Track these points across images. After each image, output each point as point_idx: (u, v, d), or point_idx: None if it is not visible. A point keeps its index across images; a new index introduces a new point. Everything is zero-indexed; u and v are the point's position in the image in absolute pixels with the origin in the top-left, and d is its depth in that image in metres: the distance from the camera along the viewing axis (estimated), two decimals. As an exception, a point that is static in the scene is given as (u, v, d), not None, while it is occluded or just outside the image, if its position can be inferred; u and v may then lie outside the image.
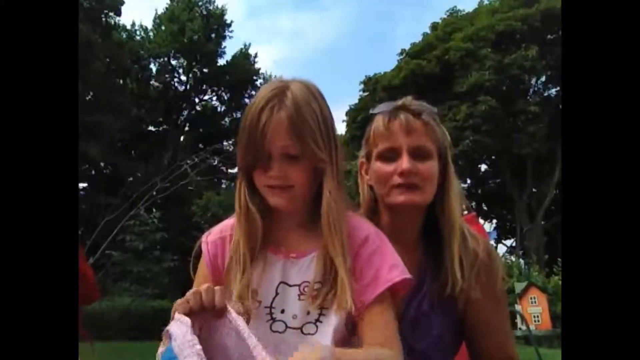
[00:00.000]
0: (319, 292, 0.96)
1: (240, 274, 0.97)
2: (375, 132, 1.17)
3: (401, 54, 22.89)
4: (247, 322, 0.96)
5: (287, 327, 0.98)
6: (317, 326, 0.97)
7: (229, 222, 1.07)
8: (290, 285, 0.99)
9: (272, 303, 0.99)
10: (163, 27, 25.21)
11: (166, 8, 25.29)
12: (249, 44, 27.26)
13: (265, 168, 0.97)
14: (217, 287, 0.86)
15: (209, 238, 1.07)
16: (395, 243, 1.04)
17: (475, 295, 1.12)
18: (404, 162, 1.11)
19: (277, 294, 0.99)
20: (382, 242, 1.02)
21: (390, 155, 1.14)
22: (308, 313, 0.97)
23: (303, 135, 0.95)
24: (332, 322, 0.96)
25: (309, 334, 0.97)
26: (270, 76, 26.33)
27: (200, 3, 25.20)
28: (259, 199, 1.01)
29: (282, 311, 0.98)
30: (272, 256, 1.01)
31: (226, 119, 27.35)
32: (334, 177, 0.99)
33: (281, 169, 0.96)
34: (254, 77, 26.67)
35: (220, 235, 1.06)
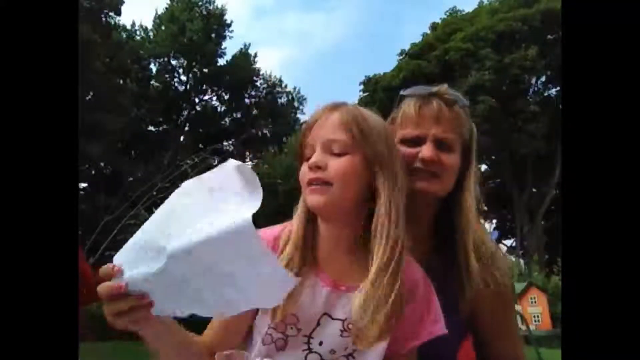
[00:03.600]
0: None
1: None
2: (405, 116, 1.15)
3: (401, 54, 22.90)
4: (284, 347, 0.95)
5: (322, 359, 0.95)
6: None
7: (272, 234, 1.01)
8: (333, 319, 0.95)
9: (311, 333, 0.94)
10: (163, 27, 25.22)
11: (166, 8, 25.31)
12: (249, 44, 27.18)
13: (308, 159, 0.93)
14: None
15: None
16: (407, 232, 1.02)
17: (483, 295, 1.10)
18: (427, 150, 1.09)
19: (318, 324, 0.94)
20: (429, 290, 1.00)
21: (416, 141, 1.12)
22: (345, 348, 0.94)
23: (352, 132, 0.91)
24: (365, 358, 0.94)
25: None
26: (270, 76, 26.33)
27: (200, 3, 25.20)
28: (312, 222, 0.98)
29: (320, 343, 0.94)
30: (320, 284, 0.95)
31: (226, 119, 27.36)
32: (393, 189, 0.92)
33: (321, 159, 0.91)
34: (254, 78, 26.68)
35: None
